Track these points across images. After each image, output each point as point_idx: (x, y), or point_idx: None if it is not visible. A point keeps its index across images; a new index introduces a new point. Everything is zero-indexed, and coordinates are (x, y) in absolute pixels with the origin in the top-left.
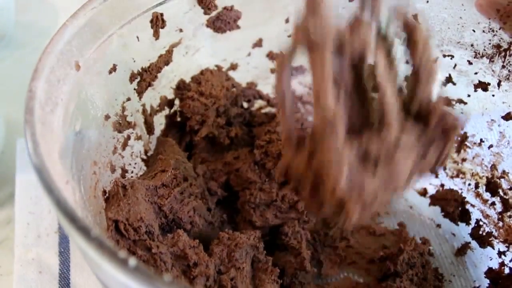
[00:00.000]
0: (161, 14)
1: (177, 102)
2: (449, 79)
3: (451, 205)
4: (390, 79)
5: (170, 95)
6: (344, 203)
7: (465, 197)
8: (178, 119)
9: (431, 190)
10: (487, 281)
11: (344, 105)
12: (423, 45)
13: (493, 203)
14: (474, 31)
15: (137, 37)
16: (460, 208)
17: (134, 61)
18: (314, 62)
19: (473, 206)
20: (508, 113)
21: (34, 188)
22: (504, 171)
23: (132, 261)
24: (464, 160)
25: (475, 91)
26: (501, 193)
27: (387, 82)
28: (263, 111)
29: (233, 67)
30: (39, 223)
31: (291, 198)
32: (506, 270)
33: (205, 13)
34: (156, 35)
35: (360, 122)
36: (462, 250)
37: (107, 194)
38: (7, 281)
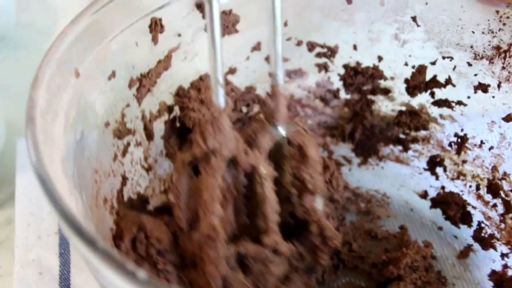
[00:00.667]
0: (160, 19)
1: (176, 108)
2: (448, 81)
3: (452, 208)
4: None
5: (169, 100)
6: None
7: (466, 200)
8: (178, 124)
9: (432, 193)
10: (491, 283)
11: (232, 214)
12: (314, 164)
13: (494, 205)
14: (473, 32)
15: (136, 43)
16: (461, 211)
17: (133, 67)
18: (206, 172)
19: (474, 208)
20: (509, 115)
21: (34, 188)
22: (505, 173)
23: (141, 273)
24: (464, 162)
25: (475, 92)
26: (502, 194)
27: (271, 197)
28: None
29: (232, 71)
30: (40, 224)
31: None
32: (510, 272)
33: (204, 18)
34: (155, 40)
35: (249, 225)
36: (465, 252)
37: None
38: (7, 282)
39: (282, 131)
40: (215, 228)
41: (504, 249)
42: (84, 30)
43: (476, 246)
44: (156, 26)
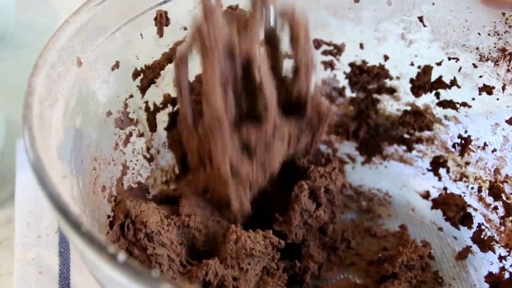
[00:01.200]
0: (165, 12)
1: None
2: (453, 82)
3: (452, 210)
4: (272, 77)
5: (173, 93)
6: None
7: (466, 202)
8: None
9: (434, 193)
10: (487, 285)
11: (232, 103)
12: (303, 42)
13: (495, 208)
14: (479, 34)
15: (141, 35)
16: (461, 213)
17: (138, 58)
18: (205, 65)
19: (475, 210)
20: None
21: (34, 188)
22: (507, 176)
23: (121, 256)
24: (467, 163)
25: (480, 94)
26: (503, 197)
27: (268, 81)
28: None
29: None
30: (39, 223)
31: None
32: (506, 275)
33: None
34: (160, 32)
35: (250, 113)
36: (463, 253)
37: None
38: (7, 281)
39: (273, 15)
40: (219, 117)
41: (503, 251)
42: (88, 20)
43: (475, 248)
44: (161, 19)
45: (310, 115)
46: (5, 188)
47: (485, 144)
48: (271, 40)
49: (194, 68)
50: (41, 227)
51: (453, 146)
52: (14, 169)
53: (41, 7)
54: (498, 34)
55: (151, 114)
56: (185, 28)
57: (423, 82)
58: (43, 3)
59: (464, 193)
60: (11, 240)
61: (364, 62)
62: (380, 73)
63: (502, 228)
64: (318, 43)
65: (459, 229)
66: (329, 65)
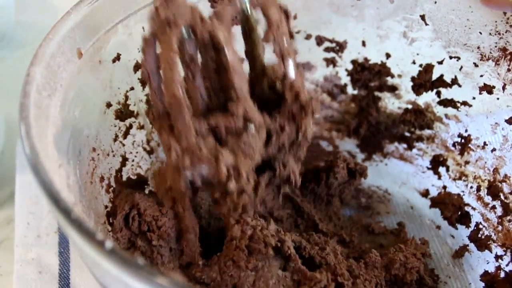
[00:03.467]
0: None
1: None
2: (454, 81)
3: (449, 209)
4: (240, 62)
5: None
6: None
7: (464, 202)
8: None
9: (433, 192)
10: (482, 284)
11: (202, 88)
12: (277, 26)
13: (493, 207)
14: (480, 33)
15: (143, 28)
16: (459, 212)
17: (139, 51)
18: (162, 44)
19: (474, 209)
20: None
21: (34, 188)
22: (506, 175)
23: (108, 243)
24: (467, 162)
25: (480, 93)
26: (502, 197)
27: (235, 64)
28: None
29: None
30: (39, 223)
31: None
32: (502, 274)
33: (212, 6)
34: None
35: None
36: (460, 252)
37: None
38: (7, 281)
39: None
40: (177, 98)
41: (499, 251)
42: (90, 12)
43: (472, 246)
44: None
45: (290, 106)
46: (5, 188)
47: (484, 143)
48: (246, 27)
49: None
50: (41, 227)
51: (453, 145)
52: (14, 169)
53: (41, 7)
54: (499, 34)
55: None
56: None
57: (424, 81)
58: (43, 3)
59: (463, 192)
60: (11, 240)
61: (366, 59)
62: (382, 71)
63: (500, 228)
64: (320, 40)
65: (456, 228)
66: (331, 62)
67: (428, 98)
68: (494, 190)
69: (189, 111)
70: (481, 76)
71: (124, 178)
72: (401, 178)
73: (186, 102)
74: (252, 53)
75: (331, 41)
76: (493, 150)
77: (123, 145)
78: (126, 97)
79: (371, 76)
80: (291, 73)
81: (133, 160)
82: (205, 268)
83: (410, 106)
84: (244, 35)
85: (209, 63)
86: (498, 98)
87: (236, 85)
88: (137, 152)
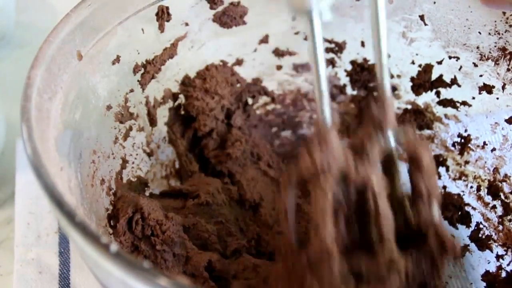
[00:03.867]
0: (167, 8)
1: (181, 95)
2: (454, 81)
3: (449, 210)
4: (389, 207)
5: (174, 88)
6: None
7: (464, 202)
8: (182, 112)
9: None
10: (484, 284)
11: (343, 231)
12: (428, 168)
13: (494, 207)
14: (480, 33)
15: (142, 30)
16: (459, 212)
17: (138, 53)
18: (316, 192)
19: (474, 209)
20: None
21: (34, 188)
22: (506, 175)
23: (114, 246)
24: (467, 162)
25: (480, 93)
26: (502, 196)
27: (386, 211)
28: (268, 107)
29: (239, 62)
30: (39, 223)
31: None
32: (503, 274)
33: (211, 8)
34: (162, 28)
35: (361, 242)
36: (461, 252)
37: None
38: (7, 281)
39: (391, 139)
40: (328, 249)
41: (500, 250)
42: (90, 14)
43: (473, 246)
44: (163, 14)
45: (432, 247)
46: (5, 188)
47: (484, 143)
48: (388, 166)
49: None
50: (41, 227)
51: (453, 145)
52: (14, 169)
53: (41, 7)
54: (499, 33)
55: (152, 109)
56: (186, 24)
57: (423, 81)
58: (43, 3)
59: (463, 192)
60: (11, 240)
61: (365, 60)
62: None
63: (500, 227)
64: None
65: (457, 228)
66: (330, 62)
67: (427, 98)
68: (494, 190)
69: (338, 262)
70: (481, 76)
71: (125, 181)
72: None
73: (336, 255)
74: (391, 190)
75: (330, 41)
76: (493, 149)
77: (123, 147)
78: (126, 99)
79: (370, 77)
80: (437, 217)
81: (133, 163)
82: None
83: (409, 106)
84: (385, 173)
85: (350, 203)
86: (497, 98)
87: (384, 231)
88: (137, 154)
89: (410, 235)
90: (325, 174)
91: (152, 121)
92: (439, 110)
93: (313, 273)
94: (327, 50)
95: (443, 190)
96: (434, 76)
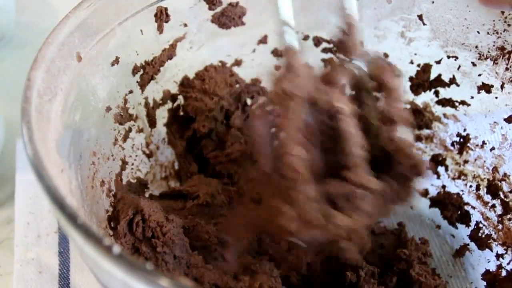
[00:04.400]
0: (166, 8)
1: (180, 96)
2: (453, 81)
3: (449, 209)
4: (360, 130)
5: (173, 89)
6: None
7: (463, 201)
8: (181, 113)
9: (433, 191)
10: (484, 283)
11: (316, 155)
12: (394, 94)
13: (493, 206)
14: (478, 32)
15: (141, 31)
16: (458, 212)
17: (138, 54)
18: (285, 114)
19: (473, 208)
20: (511, 116)
21: (34, 188)
22: (505, 174)
23: (116, 248)
24: (466, 162)
25: (479, 93)
26: (501, 195)
27: (355, 136)
28: (267, 108)
29: (238, 63)
30: (39, 223)
31: None
32: (503, 273)
33: (210, 9)
34: (160, 29)
35: (333, 165)
36: (461, 251)
37: None
38: (7, 281)
39: (360, 64)
40: (296, 169)
41: (500, 249)
42: (89, 15)
43: (473, 245)
44: (161, 15)
45: (403, 169)
46: (5, 188)
47: (483, 142)
48: (361, 92)
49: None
50: (41, 227)
51: (452, 144)
52: (14, 169)
53: (41, 7)
54: (497, 33)
55: (151, 110)
56: (185, 25)
57: (422, 80)
58: (43, 3)
59: (462, 191)
60: (11, 240)
61: None
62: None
63: (500, 226)
64: (318, 41)
65: (456, 227)
66: (329, 63)
67: (426, 97)
68: (493, 189)
69: (308, 183)
70: (479, 75)
71: (124, 182)
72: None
73: (305, 176)
74: (364, 116)
75: (328, 42)
76: (492, 149)
77: (123, 148)
78: (125, 101)
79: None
80: (407, 139)
81: (132, 164)
82: None
83: (408, 106)
84: (357, 98)
85: (322, 129)
86: (496, 97)
87: (355, 154)
88: (136, 156)
89: (384, 159)
90: (292, 99)
91: (151, 122)
92: (438, 110)
93: (286, 198)
94: (326, 50)
95: (442, 190)
96: (433, 75)
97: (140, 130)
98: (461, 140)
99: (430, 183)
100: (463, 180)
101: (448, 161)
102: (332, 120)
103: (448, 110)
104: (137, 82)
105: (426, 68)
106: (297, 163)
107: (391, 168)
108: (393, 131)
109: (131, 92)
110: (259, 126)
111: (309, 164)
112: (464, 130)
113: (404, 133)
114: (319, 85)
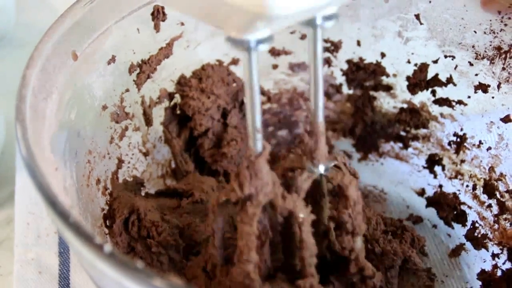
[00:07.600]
0: (162, 7)
1: (177, 95)
2: (450, 80)
3: (444, 210)
4: (312, 235)
5: (170, 88)
6: None
7: (460, 201)
8: (178, 112)
9: (429, 191)
10: (479, 282)
11: (268, 255)
12: (354, 204)
13: (489, 205)
14: (475, 32)
15: (138, 29)
16: (455, 211)
17: (134, 53)
18: (242, 218)
19: (470, 207)
20: (507, 116)
21: (34, 188)
22: (501, 174)
23: (107, 247)
24: (463, 161)
25: (475, 92)
26: (497, 195)
27: (309, 241)
28: (264, 107)
29: (235, 61)
30: (39, 223)
31: None
32: (499, 273)
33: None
34: (157, 28)
35: (285, 267)
36: (457, 251)
37: None
38: (7, 281)
39: (321, 168)
40: (250, 275)
41: (496, 249)
42: (85, 14)
43: (469, 245)
44: (158, 14)
45: (353, 277)
46: (5, 189)
47: (480, 142)
48: (317, 194)
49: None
50: (41, 227)
51: (449, 144)
52: (14, 169)
53: (41, 7)
54: (494, 33)
55: (147, 109)
56: (182, 24)
57: (419, 80)
58: (43, 3)
59: (459, 190)
60: (11, 240)
61: (361, 59)
62: (377, 70)
63: (496, 226)
64: None
65: (453, 227)
66: (326, 62)
67: (423, 97)
68: (490, 189)
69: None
70: (476, 75)
71: (120, 180)
72: (397, 178)
73: (257, 282)
74: (317, 217)
75: (326, 41)
76: (489, 148)
77: (119, 147)
78: (122, 99)
79: (366, 76)
80: (358, 248)
81: (129, 162)
82: None
83: (405, 106)
84: (312, 200)
85: (275, 228)
86: (493, 97)
87: (306, 261)
88: (133, 154)
89: (334, 261)
90: (252, 201)
91: (148, 121)
92: (434, 109)
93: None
94: (323, 49)
95: (439, 189)
96: (429, 75)
97: (137, 129)
98: (458, 139)
99: (427, 183)
100: (460, 179)
101: (445, 161)
102: (286, 223)
103: (445, 109)
104: (134, 80)
105: (423, 67)
106: (252, 270)
107: (341, 272)
108: (346, 240)
109: (127, 90)
110: (214, 219)
111: (261, 264)
112: (461, 129)
113: (357, 243)
114: (280, 189)
